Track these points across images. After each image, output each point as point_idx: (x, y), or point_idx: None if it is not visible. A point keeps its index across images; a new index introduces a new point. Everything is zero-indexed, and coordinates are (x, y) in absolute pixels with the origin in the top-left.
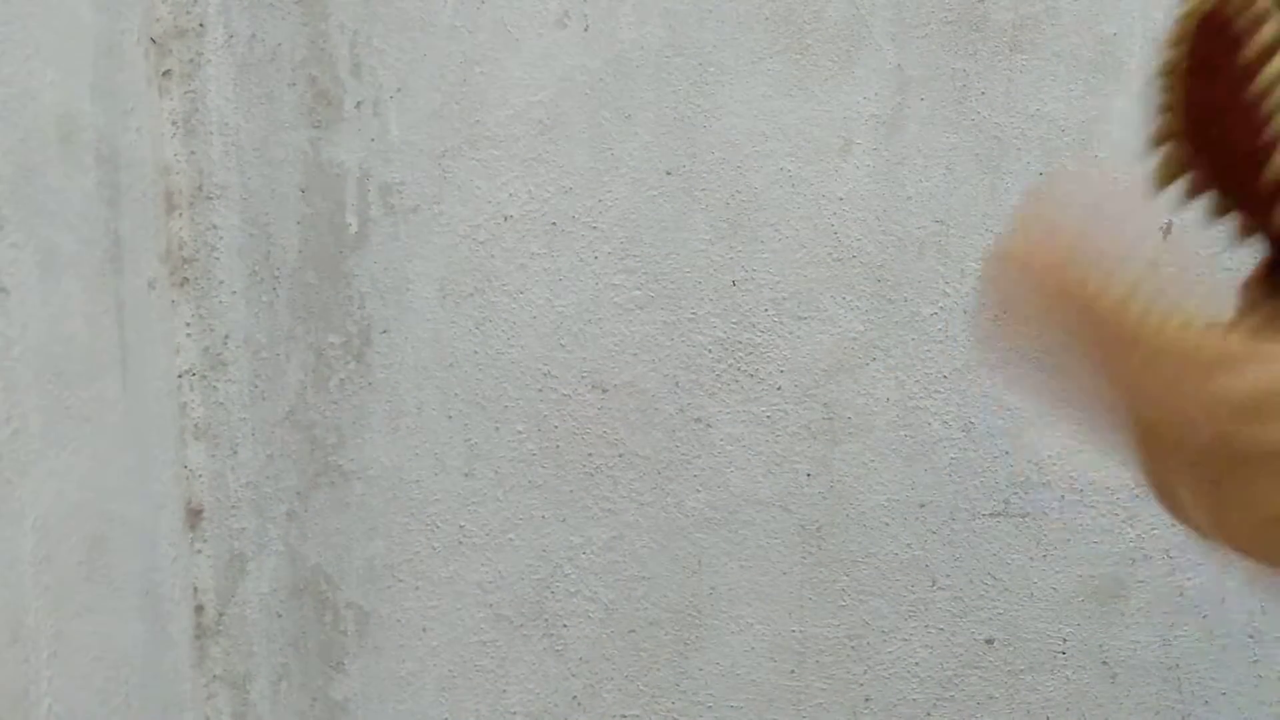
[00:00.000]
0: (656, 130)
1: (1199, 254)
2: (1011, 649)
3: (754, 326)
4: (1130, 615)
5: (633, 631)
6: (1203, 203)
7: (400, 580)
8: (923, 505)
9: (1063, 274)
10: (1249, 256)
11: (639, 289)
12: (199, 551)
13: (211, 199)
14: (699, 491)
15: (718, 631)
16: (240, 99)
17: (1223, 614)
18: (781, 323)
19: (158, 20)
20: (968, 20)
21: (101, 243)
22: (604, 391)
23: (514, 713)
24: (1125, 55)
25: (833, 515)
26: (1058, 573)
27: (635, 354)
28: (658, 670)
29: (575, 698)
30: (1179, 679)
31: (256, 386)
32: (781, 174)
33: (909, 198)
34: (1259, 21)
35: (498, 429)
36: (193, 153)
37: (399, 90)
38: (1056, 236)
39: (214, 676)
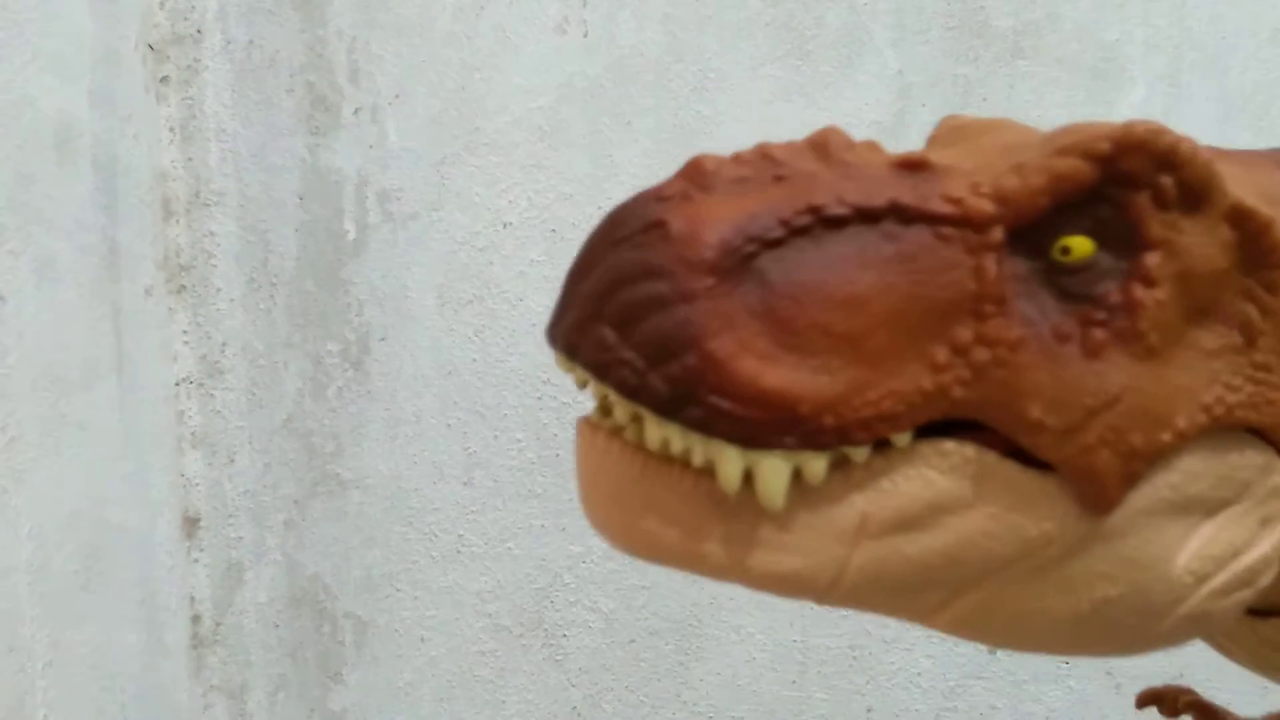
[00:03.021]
0: (657, 136)
1: None
2: (1015, 659)
3: None
4: None
5: (633, 641)
6: None
7: (399, 589)
8: None
9: None
10: None
11: None
12: (196, 560)
13: (209, 206)
14: None
15: (719, 641)
16: (238, 105)
17: None
18: None
19: (155, 27)
20: (969, 26)
21: (98, 250)
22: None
23: None
24: (1126, 61)
25: None
26: None
27: None
28: (658, 680)
29: (575, 708)
30: None
31: (254, 394)
32: None
33: None
34: None
35: (497, 437)
36: (190, 159)
37: (397, 97)
38: None
39: (211, 686)
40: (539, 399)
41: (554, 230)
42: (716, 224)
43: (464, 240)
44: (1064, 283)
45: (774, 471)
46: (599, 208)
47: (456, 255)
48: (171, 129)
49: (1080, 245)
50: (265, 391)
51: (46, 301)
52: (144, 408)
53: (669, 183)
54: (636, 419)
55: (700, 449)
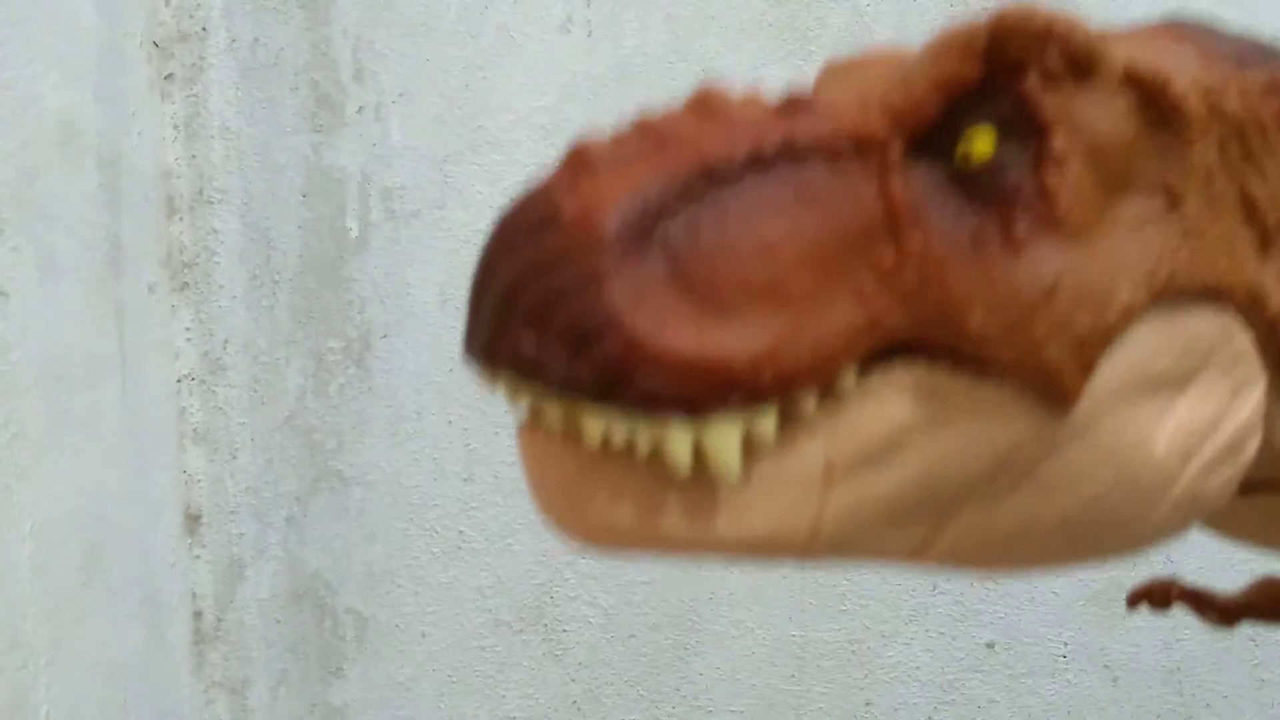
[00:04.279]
0: None
1: None
2: (1013, 653)
3: None
4: (1131, 619)
5: (633, 636)
6: None
7: (399, 585)
8: None
9: None
10: None
11: None
12: (198, 557)
13: (212, 203)
14: None
15: (718, 636)
16: (242, 103)
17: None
18: None
19: (160, 24)
20: None
21: (102, 246)
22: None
23: (514, 718)
24: None
25: None
26: (1058, 576)
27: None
28: (658, 675)
29: (575, 703)
30: (1180, 682)
31: (256, 391)
32: None
33: None
34: None
35: (497, 434)
36: (194, 157)
37: (401, 95)
38: None
39: (213, 682)
40: None
41: None
42: (609, 201)
43: (466, 238)
44: (974, 185)
45: (723, 439)
46: None
47: (459, 253)
48: (175, 126)
49: (981, 144)
50: (267, 388)
51: (49, 298)
52: (146, 404)
53: (554, 175)
54: (571, 417)
55: (644, 432)
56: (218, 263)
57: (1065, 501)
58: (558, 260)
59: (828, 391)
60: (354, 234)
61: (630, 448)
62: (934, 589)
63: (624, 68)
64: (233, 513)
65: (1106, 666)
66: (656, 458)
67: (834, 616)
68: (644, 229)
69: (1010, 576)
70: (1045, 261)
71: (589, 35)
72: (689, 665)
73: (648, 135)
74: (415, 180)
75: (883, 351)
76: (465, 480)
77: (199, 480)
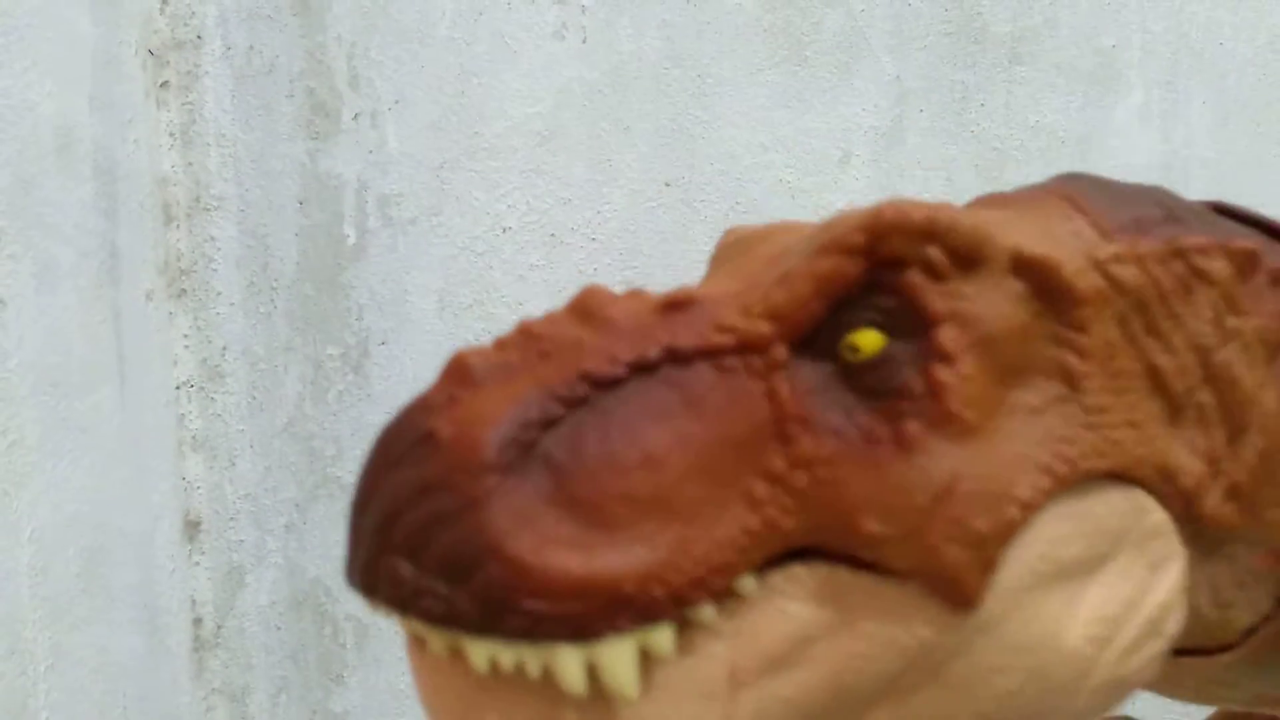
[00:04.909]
0: (655, 142)
1: None
2: None
3: None
4: None
5: None
6: None
7: None
8: None
9: None
10: None
11: None
12: (197, 564)
13: (209, 210)
14: None
15: None
16: (238, 110)
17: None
18: None
19: (156, 32)
20: (967, 32)
21: (99, 254)
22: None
23: None
24: (1124, 66)
25: None
26: None
27: None
28: None
29: None
30: None
31: (254, 398)
32: (780, 185)
33: None
34: None
35: None
36: (190, 164)
37: (397, 102)
38: None
39: (212, 689)
40: None
41: (553, 235)
42: (488, 420)
43: (464, 245)
44: (863, 382)
45: (617, 659)
46: (597, 212)
47: (456, 260)
48: (172, 134)
49: (867, 340)
50: (266, 395)
51: (47, 306)
52: (145, 411)
53: (433, 389)
54: (455, 647)
55: (533, 658)
56: (215, 270)
57: (978, 698)
58: (434, 484)
59: (726, 597)
60: (351, 241)
61: (520, 671)
62: None
63: (619, 74)
64: (232, 519)
65: None
66: (549, 679)
67: None
68: (525, 445)
69: None
70: (938, 461)
71: (584, 41)
72: None
73: (529, 344)
74: (412, 187)
75: (781, 555)
76: None
77: (198, 487)
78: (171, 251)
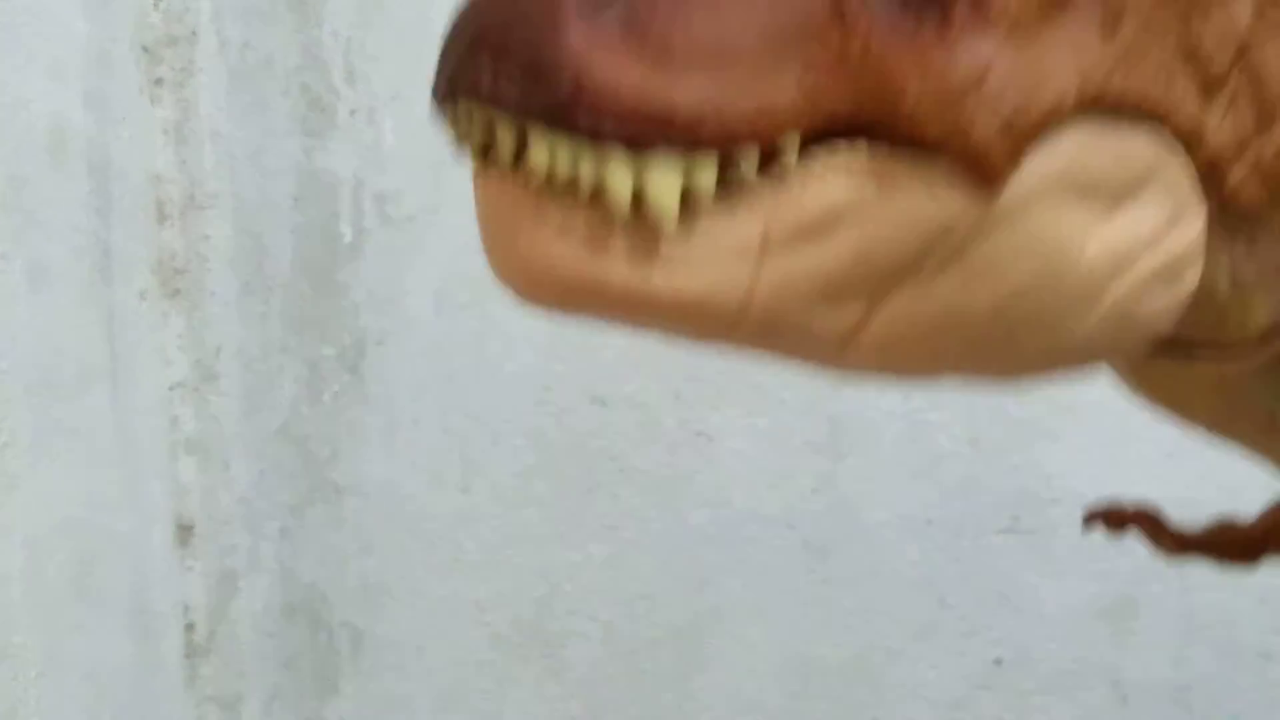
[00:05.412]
0: None
1: None
2: (1021, 670)
3: None
4: (1141, 635)
5: (633, 652)
6: None
7: (395, 599)
8: (929, 522)
9: None
10: None
11: None
12: (190, 569)
13: (203, 209)
14: (701, 507)
15: (721, 652)
16: (233, 107)
17: (1235, 634)
18: None
19: (150, 28)
20: None
21: (92, 253)
22: (604, 405)
23: None
24: None
25: (837, 532)
26: (1068, 591)
27: (636, 366)
28: (659, 692)
29: (574, 718)
30: (1190, 701)
31: (249, 400)
32: None
33: None
34: None
35: (495, 443)
36: (184, 162)
37: (394, 98)
38: None
39: (205, 697)
40: (538, 405)
41: None
42: None
43: (462, 243)
44: None
45: (662, 181)
46: None
47: (454, 258)
48: (165, 131)
49: None
50: (260, 397)
51: (39, 305)
52: (137, 413)
53: None
54: (520, 150)
55: (588, 165)
56: (209, 269)
57: (994, 288)
58: (522, 10)
59: (770, 160)
60: (347, 239)
61: (574, 184)
62: (941, 604)
63: None
64: (225, 524)
65: (1116, 684)
66: (599, 199)
67: (839, 633)
68: None
69: (943, 380)
70: (977, 51)
71: None
72: (691, 682)
73: None
74: (409, 184)
75: (826, 134)
76: (463, 491)
77: (191, 490)
78: (165, 250)
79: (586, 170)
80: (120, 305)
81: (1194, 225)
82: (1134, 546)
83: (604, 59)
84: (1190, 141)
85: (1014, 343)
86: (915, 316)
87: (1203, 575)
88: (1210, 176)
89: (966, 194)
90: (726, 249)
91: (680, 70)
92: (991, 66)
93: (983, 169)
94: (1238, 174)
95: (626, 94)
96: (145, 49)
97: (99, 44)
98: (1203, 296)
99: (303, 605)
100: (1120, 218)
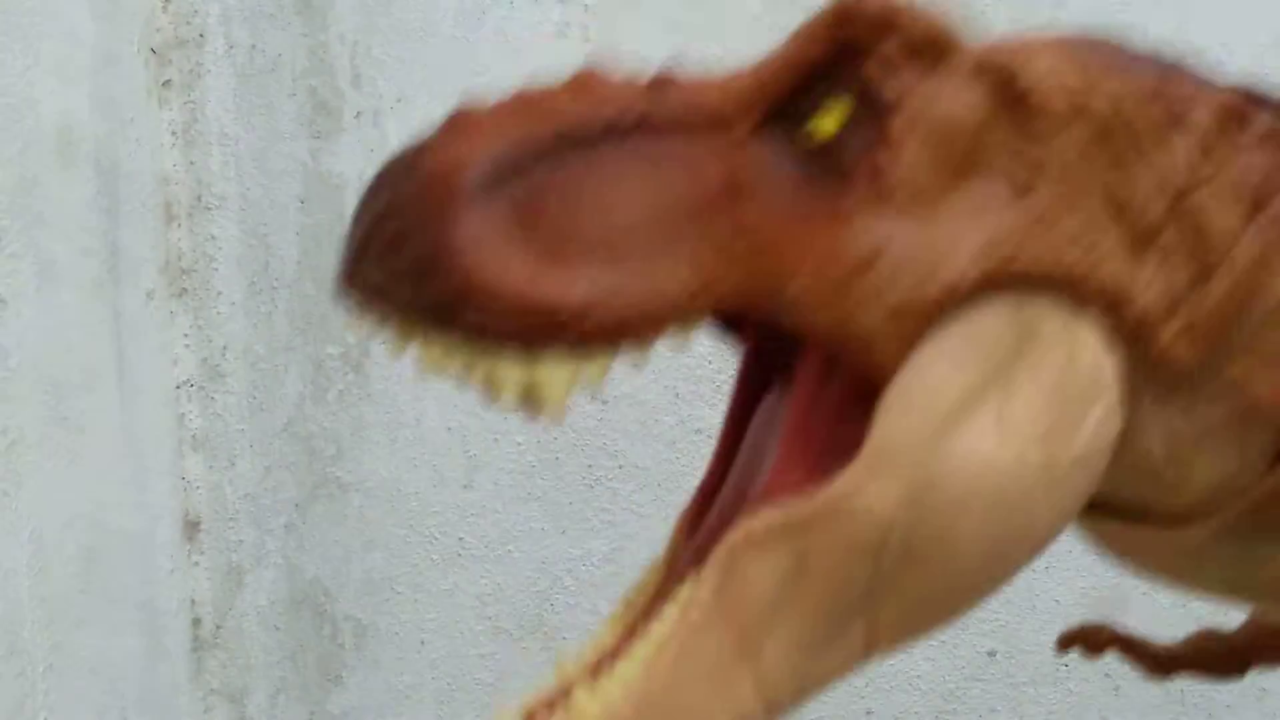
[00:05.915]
0: None
1: None
2: (1014, 661)
3: None
4: (1133, 626)
5: None
6: None
7: (399, 593)
8: None
9: None
10: None
11: None
12: (196, 564)
13: (210, 209)
14: None
15: None
16: (240, 109)
17: (1226, 625)
18: None
19: (158, 30)
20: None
21: (100, 253)
22: (604, 403)
23: None
24: None
25: None
26: (1060, 584)
27: (635, 365)
28: None
29: None
30: (1182, 692)
31: (255, 398)
32: None
33: None
34: None
35: (497, 441)
36: (192, 163)
37: (399, 101)
38: None
39: (211, 690)
40: None
41: None
42: (467, 155)
43: None
44: (816, 165)
45: (554, 378)
46: None
47: None
48: (173, 133)
49: (824, 124)
50: (266, 395)
51: (47, 305)
52: (145, 411)
53: (433, 131)
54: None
55: (480, 363)
56: (216, 269)
57: (957, 556)
58: (413, 202)
59: (650, 340)
60: None
61: (467, 374)
62: None
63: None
64: (231, 519)
65: (1108, 675)
66: (491, 389)
67: None
68: (498, 181)
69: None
70: (869, 232)
71: (586, 40)
72: None
73: (521, 103)
74: None
75: (718, 320)
76: (465, 487)
77: (198, 487)
78: (172, 250)
79: (478, 372)
80: (128, 304)
81: (1111, 391)
82: None
83: (493, 253)
84: (1115, 302)
85: (1007, 562)
86: (907, 600)
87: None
88: (1138, 337)
89: (890, 496)
90: (714, 680)
91: (567, 267)
92: (883, 247)
93: (869, 359)
94: (1169, 333)
95: (511, 293)
96: (153, 51)
97: (107, 46)
98: (1142, 467)
99: (307, 599)
100: (1032, 397)
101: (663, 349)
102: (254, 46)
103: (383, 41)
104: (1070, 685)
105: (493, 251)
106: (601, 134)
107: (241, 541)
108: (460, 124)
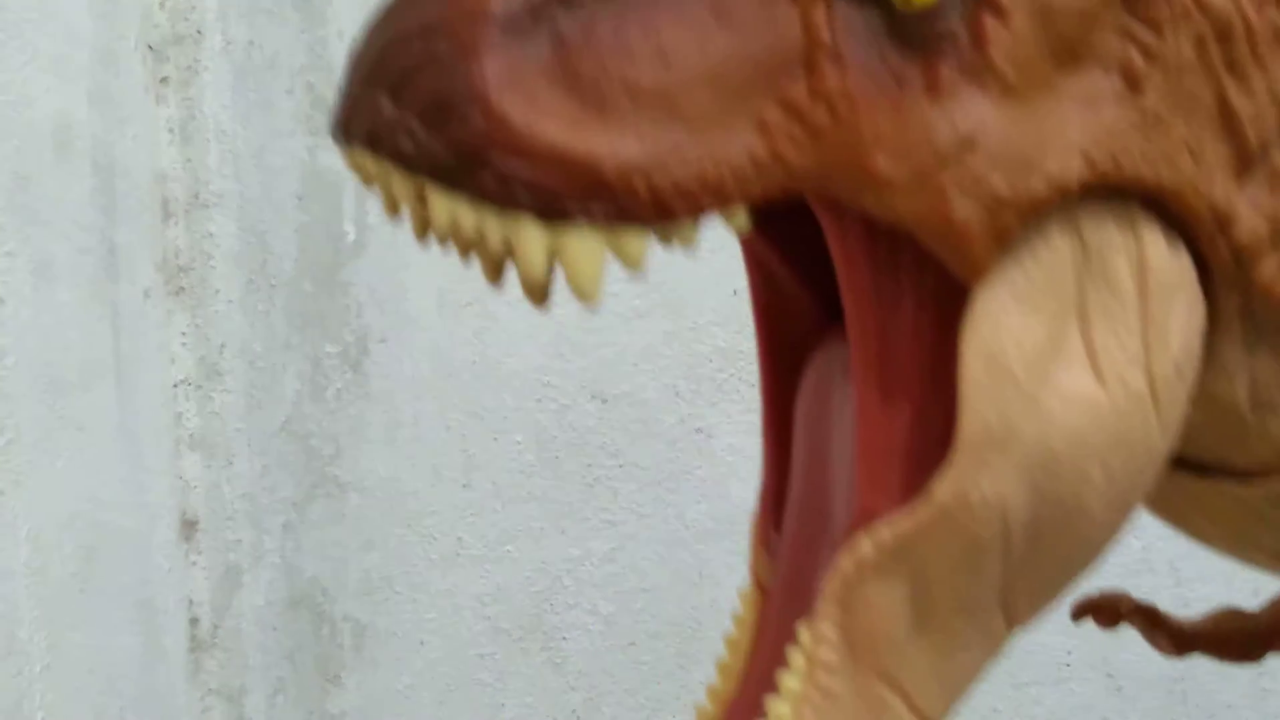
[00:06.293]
0: None
1: None
2: (1015, 661)
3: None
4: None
5: (633, 644)
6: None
7: (397, 592)
8: None
9: None
10: None
11: (639, 298)
12: (194, 563)
13: (208, 207)
14: (700, 502)
15: (718, 644)
16: (237, 106)
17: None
18: None
19: (155, 27)
20: None
21: (97, 251)
22: (604, 401)
23: None
24: None
25: None
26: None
27: (635, 364)
28: (658, 684)
29: (574, 711)
30: (1184, 691)
31: (252, 396)
32: None
33: None
34: None
35: (496, 439)
36: (189, 160)
37: None
38: None
39: (209, 690)
40: (538, 401)
41: None
42: None
43: None
44: (909, 30)
45: (584, 251)
46: None
47: (456, 257)
48: (170, 130)
49: None
50: (264, 394)
51: (44, 303)
52: (142, 410)
53: None
54: (421, 200)
55: (495, 227)
56: (213, 267)
57: (1089, 513)
58: (433, 26)
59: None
60: (351, 238)
61: (480, 239)
62: None
63: None
64: (229, 519)
65: (1110, 675)
66: (508, 256)
67: None
68: (536, 12)
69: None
70: (967, 112)
71: None
72: (689, 674)
73: None
74: None
75: (781, 194)
76: (463, 486)
77: (195, 486)
78: (170, 248)
79: (494, 234)
80: (125, 302)
81: (1190, 281)
82: (1128, 539)
83: (528, 95)
84: (1217, 227)
85: (1135, 490)
86: (1042, 574)
87: (1196, 568)
88: (1238, 268)
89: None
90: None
91: (611, 124)
92: (982, 130)
93: (962, 255)
94: (1270, 264)
95: (543, 149)
96: (151, 48)
97: (105, 42)
98: (1219, 413)
99: (305, 599)
100: (1113, 315)
101: (661, 346)
102: (251, 43)
103: None
104: (1072, 685)
105: (528, 94)
106: None
107: (239, 541)
108: None
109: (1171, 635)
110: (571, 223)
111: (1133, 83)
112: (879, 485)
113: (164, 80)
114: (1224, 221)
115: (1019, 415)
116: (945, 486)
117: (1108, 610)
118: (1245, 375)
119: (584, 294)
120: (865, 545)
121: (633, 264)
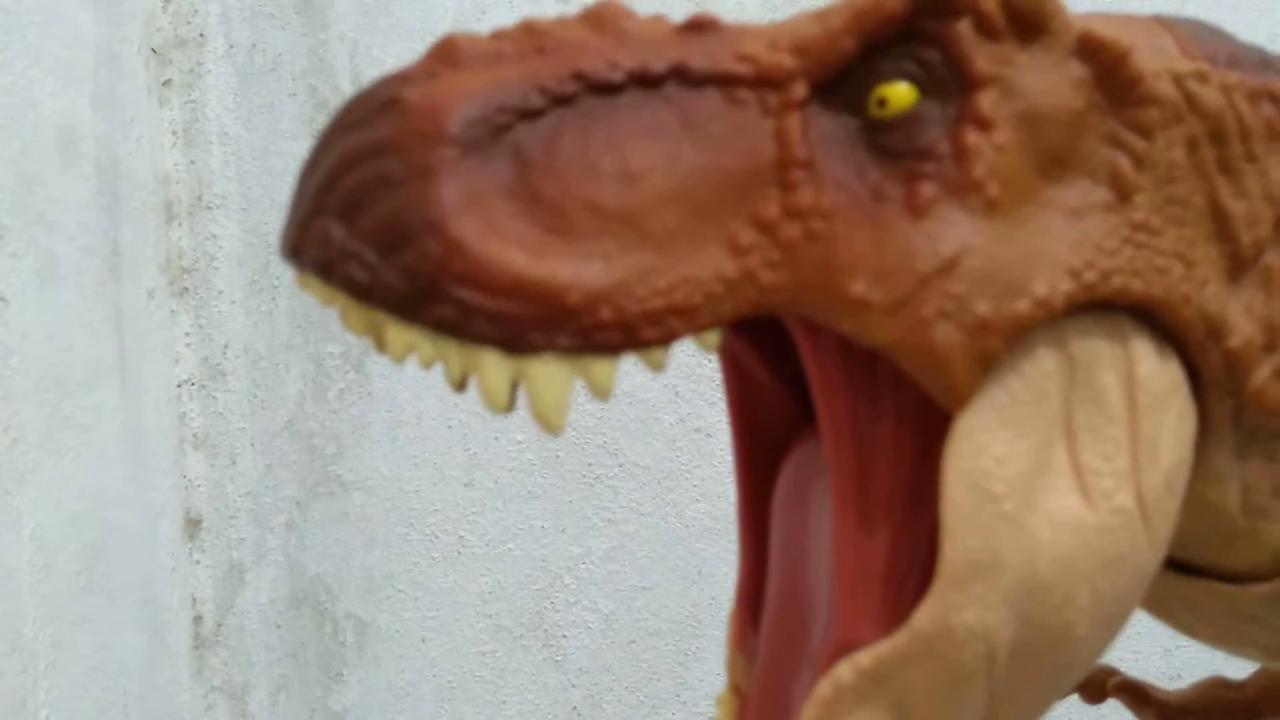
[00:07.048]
0: None
1: None
2: None
3: None
4: (1132, 625)
5: (633, 642)
6: None
7: (399, 590)
8: None
9: None
10: None
11: None
12: (198, 562)
13: (211, 209)
14: (699, 501)
15: (718, 642)
16: (240, 109)
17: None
18: None
19: (158, 30)
20: None
21: (101, 252)
22: (604, 401)
23: None
24: None
25: None
26: None
27: (635, 363)
28: (658, 681)
29: (575, 708)
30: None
31: (256, 396)
32: None
33: None
34: None
35: (497, 438)
36: (192, 162)
37: None
38: None
39: (213, 687)
40: None
41: None
42: (462, 95)
43: None
44: (886, 140)
45: (549, 380)
46: None
47: None
48: (174, 132)
49: (899, 94)
50: (267, 393)
51: (49, 304)
52: (146, 409)
53: (416, 63)
54: (376, 326)
55: (455, 358)
56: (217, 268)
57: (1076, 633)
58: (386, 147)
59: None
60: None
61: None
62: None
63: None
64: (233, 518)
65: None
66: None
67: None
68: (495, 128)
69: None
70: (949, 231)
71: None
72: (689, 671)
73: (528, 39)
74: None
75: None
76: (465, 485)
77: (199, 485)
78: (173, 249)
79: (454, 365)
80: (129, 303)
81: (1180, 388)
82: None
83: (486, 219)
84: (1209, 336)
85: (1124, 607)
86: (1028, 695)
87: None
88: (1229, 375)
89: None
90: None
91: (576, 247)
92: (966, 250)
93: (943, 381)
94: (1263, 371)
95: (504, 279)
96: (154, 50)
97: (108, 45)
98: (1211, 518)
99: (308, 597)
100: (1100, 431)
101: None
102: (254, 46)
103: (382, 41)
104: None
105: (487, 218)
106: (626, 81)
107: (243, 539)
108: (452, 54)
109: (1159, 710)
110: (536, 353)
111: (1122, 192)
112: (859, 609)
113: (167, 83)
114: (1216, 330)
115: (1004, 541)
116: (927, 614)
117: (1094, 685)
118: (1237, 481)
119: (548, 425)
120: (845, 671)
121: (600, 391)
